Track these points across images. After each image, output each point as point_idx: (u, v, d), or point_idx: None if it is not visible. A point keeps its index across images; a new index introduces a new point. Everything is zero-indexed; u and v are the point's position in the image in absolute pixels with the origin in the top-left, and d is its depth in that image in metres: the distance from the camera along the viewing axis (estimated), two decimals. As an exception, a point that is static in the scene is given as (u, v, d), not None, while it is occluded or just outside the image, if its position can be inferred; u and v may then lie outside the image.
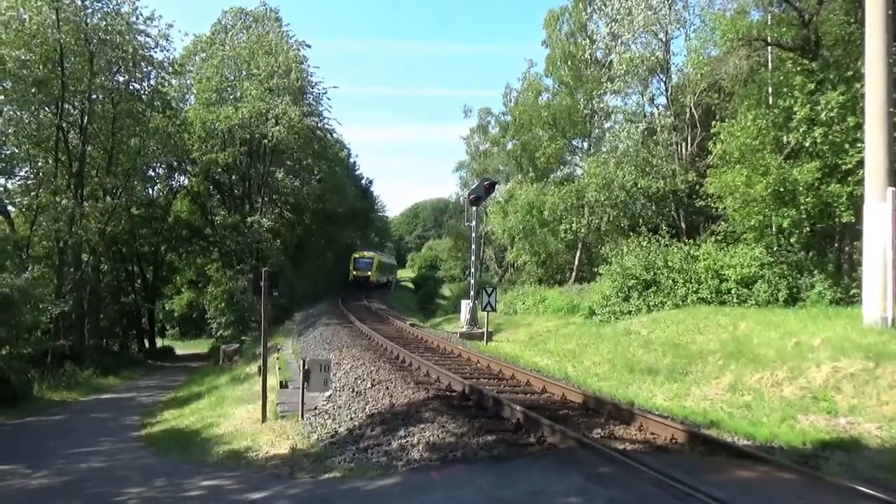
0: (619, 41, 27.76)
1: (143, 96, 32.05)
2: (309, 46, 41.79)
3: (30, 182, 30.25)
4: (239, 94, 38.53)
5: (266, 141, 37.86)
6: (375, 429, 9.08)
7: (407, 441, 8.09)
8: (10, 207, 29.01)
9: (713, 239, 21.08)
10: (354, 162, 66.13)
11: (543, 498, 5.34)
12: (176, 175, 43.04)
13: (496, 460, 6.84)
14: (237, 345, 28.92)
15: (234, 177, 42.16)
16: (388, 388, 11.48)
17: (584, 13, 34.88)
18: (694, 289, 18.92)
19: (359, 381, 12.56)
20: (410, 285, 74.64)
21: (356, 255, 56.45)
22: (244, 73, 39.26)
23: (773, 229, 18.92)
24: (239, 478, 8.46)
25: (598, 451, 6.61)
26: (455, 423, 8.49)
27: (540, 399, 10.54)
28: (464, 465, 6.83)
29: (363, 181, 69.83)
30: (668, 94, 29.13)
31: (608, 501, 5.07)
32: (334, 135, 47.49)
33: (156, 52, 31.14)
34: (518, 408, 8.61)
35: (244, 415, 13.46)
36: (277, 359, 18.47)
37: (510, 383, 12.08)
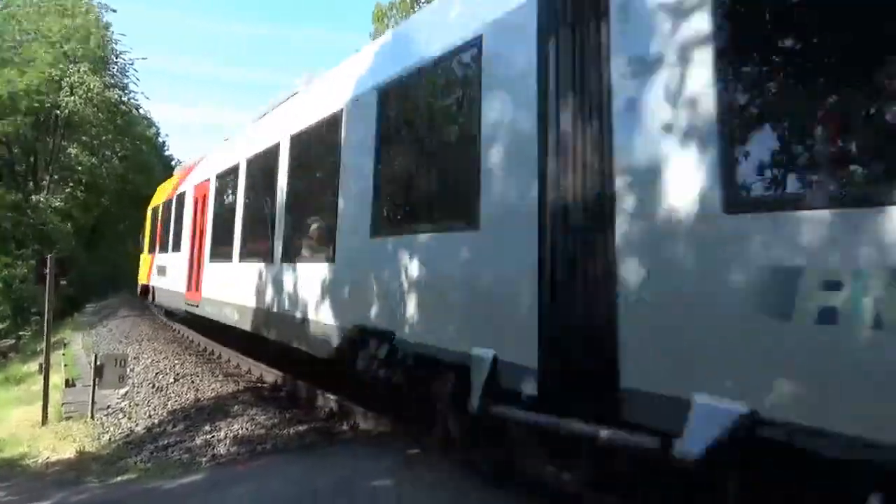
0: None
1: None
2: (114, 11, 37.80)
3: None
4: (28, 58, 33.57)
5: (59, 112, 33.58)
6: (178, 425, 8.54)
7: (213, 436, 7.71)
8: None
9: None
10: (164, 142, 61.04)
11: (356, 482, 5.43)
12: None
13: (308, 449, 6.78)
14: (13, 340, 25.64)
15: (15, 150, 36.79)
16: (193, 381, 10.86)
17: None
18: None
19: (160, 376, 11.71)
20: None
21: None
22: (32, 35, 34.38)
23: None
24: (12, 488, 7.47)
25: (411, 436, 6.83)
26: (265, 416, 8.27)
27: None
28: (274, 456, 6.70)
29: (174, 162, 64.75)
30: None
31: (414, 479, 5.34)
32: (141, 111, 43.73)
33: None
34: (332, 396, 8.60)
35: (21, 418, 11.87)
36: (64, 354, 16.60)
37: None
